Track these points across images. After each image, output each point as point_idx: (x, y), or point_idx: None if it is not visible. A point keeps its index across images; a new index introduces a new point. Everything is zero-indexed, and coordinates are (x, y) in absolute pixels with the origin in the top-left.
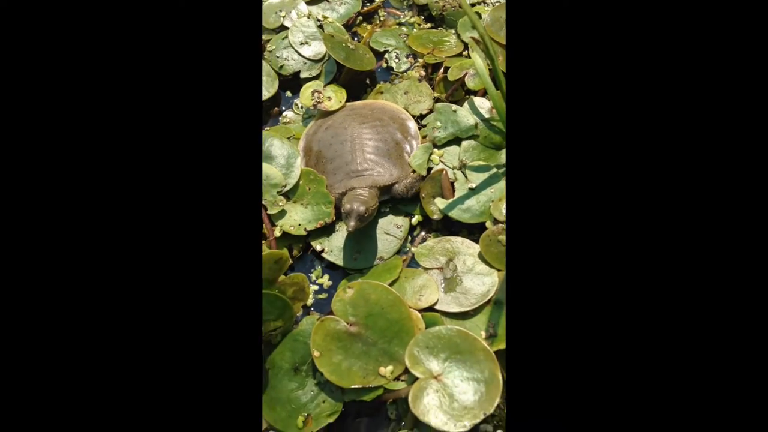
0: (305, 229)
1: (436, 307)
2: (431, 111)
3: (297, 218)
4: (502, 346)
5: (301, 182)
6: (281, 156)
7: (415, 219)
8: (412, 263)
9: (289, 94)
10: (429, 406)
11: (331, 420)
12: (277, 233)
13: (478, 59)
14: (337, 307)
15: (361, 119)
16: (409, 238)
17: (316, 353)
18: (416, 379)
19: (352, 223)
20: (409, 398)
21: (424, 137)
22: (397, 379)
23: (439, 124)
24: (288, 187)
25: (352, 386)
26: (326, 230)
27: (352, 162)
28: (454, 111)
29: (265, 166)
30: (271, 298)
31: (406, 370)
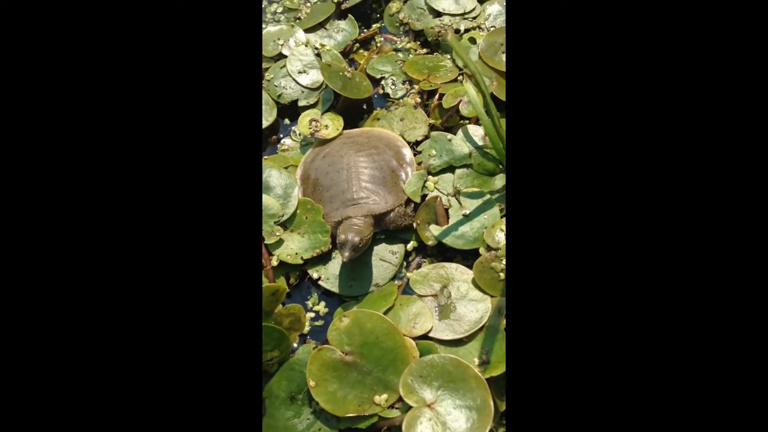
0: (302, 258)
1: (431, 334)
2: (427, 137)
3: (294, 247)
4: (495, 372)
5: (298, 212)
6: (279, 186)
7: (411, 245)
8: (407, 289)
9: (287, 121)
10: None
11: None
12: (274, 263)
13: (470, 89)
14: (333, 336)
15: (358, 147)
16: (405, 263)
17: (311, 383)
18: (410, 407)
19: (347, 254)
20: (403, 427)
21: (419, 164)
22: (391, 407)
23: (434, 152)
24: (285, 217)
25: (347, 415)
26: (323, 258)
27: (348, 190)
28: (449, 140)
29: (263, 197)
30: (268, 329)
31: (401, 399)
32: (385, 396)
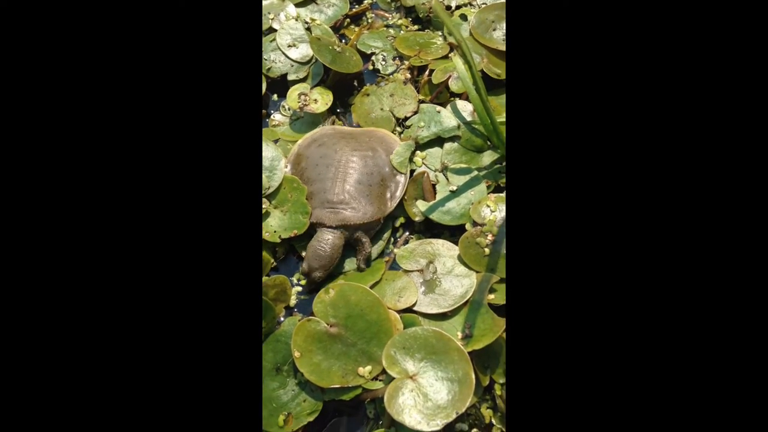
0: (280, 237)
1: (415, 308)
2: (416, 113)
3: (274, 224)
4: (478, 346)
5: (284, 188)
6: (265, 158)
7: (398, 221)
8: (394, 265)
9: (275, 98)
10: (404, 406)
11: (311, 419)
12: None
13: (459, 63)
14: (318, 309)
15: (355, 145)
16: (392, 239)
17: (296, 354)
18: (393, 378)
19: (318, 274)
20: (385, 398)
21: (408, 137)
22: (375, 378)
23: (422, 123)
24: (270, 190)
25: (332, 386)
26: (310, 234)
27: (330, 190)
28: (438, 112)
29: None
30: None
31: (384, 371)
32: (369, 368)
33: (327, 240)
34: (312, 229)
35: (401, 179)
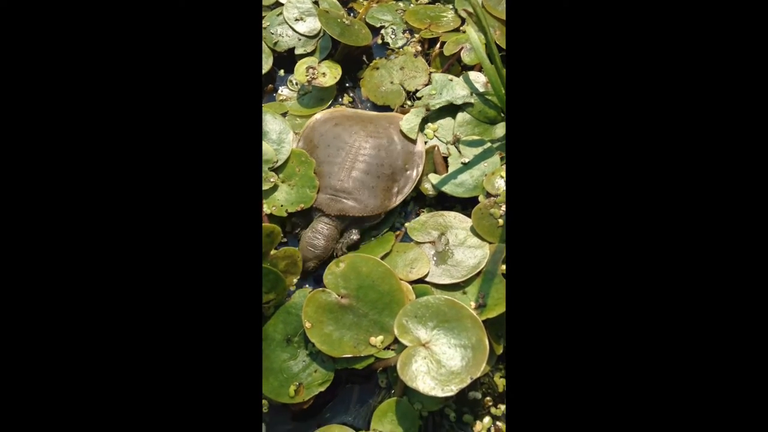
0: (287, 211)
1: (428, 279)
2: (427, 86)
3: (281, 198)
4: (492, 315)
5: (291, 162)
6: (273, 131)
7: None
8: (405, 238)
9: (282, 73)
10: (417, 372)
11: (322, 389)
12: (267, 210)
13: (472, 33)
14: (329, 280)
15: (372, 130)
16: (403, 213)
17: (307, 324)
18: (405, 347)
19: (311, 264)
20: (398, 365)
21: (419, 106)
22: (387, 348)
23: (434, 91)
24: (278, 164)
25: (343, 356)
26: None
27: (336, 175)
28: (450, 80)
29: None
30: (264, 271)
31: (396, 340)
32: (380, 337)
33: (322, 231)
34: (311, 212)
35: (413, 174)
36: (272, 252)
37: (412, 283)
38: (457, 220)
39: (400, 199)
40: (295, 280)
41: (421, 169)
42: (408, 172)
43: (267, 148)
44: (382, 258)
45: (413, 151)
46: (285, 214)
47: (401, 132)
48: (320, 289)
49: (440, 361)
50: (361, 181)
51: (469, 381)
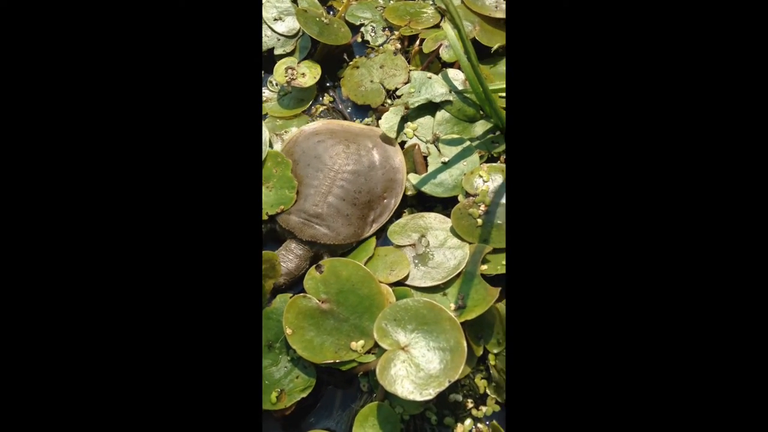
0: (267, 213)
1: (408, 282)
2: (406, 84)
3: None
4: (471, 316)
5: (267, 164)
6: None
7: None
8: (386, 241)
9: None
10: (396, 377)
11: (304, 395)
12: None
13: (449, 30)
14: (309, 285)
15: (353, 151)
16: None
17: (288, 331)
18: (384, 351)
19: (281, 281)
20: (377, 369)
21: (399, 105)
22: (368, 352)
23: (413, 89)
24: None
25: (325, 362)
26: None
27: (312, 198)
28: (429, 78)
29: None
30: None
31: (377, 344)
32: (361, 342)
33: (292, 255)
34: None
35: (390, 203)
36: None
37: (392, 285)
38: (437, 221)
39: (375, 227)
40: (272, 284)
41: (399, 198)
42: (386, 201)
43: None
44: (365, 263)
45: (394, 178)
46: (266, 216)
47: (385, 154)
48: (301, 294)
49: (419, 365)
50: (336, 208)
51: (447, 384)
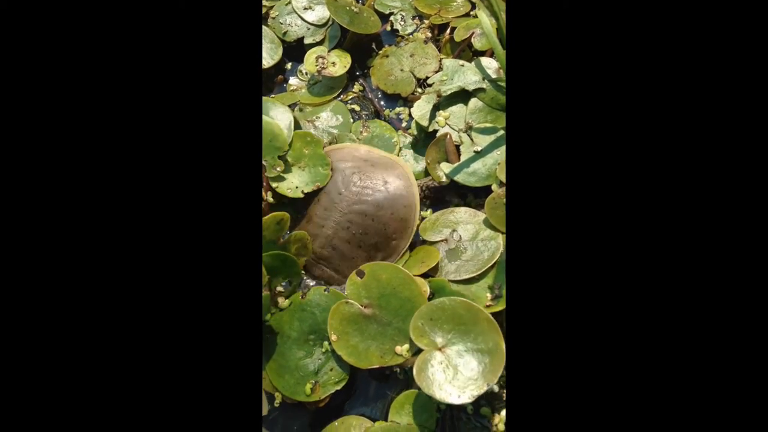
0: (302, 192)
1: (443, 277)
2: (437, 72)
3: (295, 181)
4: None
5: (296, 144)
6: (282, 121)
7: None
8: (415, 236)
9: (288, 66)
10: (433, 378)
11: (338, 387)
12: (270, 198)
13: (484, 18)
14: (351, 291)
15: (363, 188)
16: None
17: (333, 337)
18: (421, 351)
19: None
20: (414, 370)
21: (430, 93)
22: (414, 356)
23: (445, 77)
24: (289, 151)
25: (371, 367)
26: None
27: (318, 240)
28: (461, 65)
29: (273, 124)
30: (277, 256)
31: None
32: (406, 346)
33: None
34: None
35: (399, 245)
36: (281, 239)
37: (425, 276)
38: (467, 215)
39: None
40: (304, 261)
41: (410, 240)
42: (395, 242)
43: (281, 134)
44: (403, 265)
45: (405, 218)
46: (302, 195)
47: (398, 192)
48: (343, 300)
49: (456, 366)
50: (341, 252)
51: (485, 388)
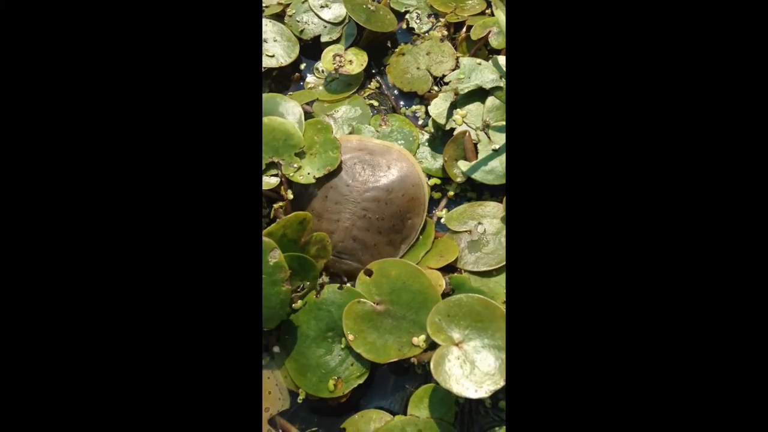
0: (314, 177)
1: (461, 266)
2: (454, 71)
3: (307, 168)
4: None
5: (307, 133)
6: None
7: (432, 180)
8: (439, 226)
9: (302, 66)
10: (450, 373)
11: (360, 381)
12: (290, 196)
13: (501, 16)
14: (362, 289)
15: (369, 176)
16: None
17: (350, 337)
18: (438, 346)
19: None
20: (431, 365)
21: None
22: (430, 348)
23: (462, 75)
24: (304, 146)
25: (390, 361)
26: None
27: (337, 235)
28: (479, 64)
29: (287, 124)
30: (297, 258)
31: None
32: (423, 336)
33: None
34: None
35: (416, 222)
36: (303, 239)
37: (442, 270)
38: (494, 210)
39: (404, 248)
40: (324, 263)
41: (425, 216)
42: (411, 221)
43: (297, 132)
44: (424, 255)
45: (416, 196)
46: (313, 180)
47: (402, 173)
48: (355, 300)
49: (474, 362)
50: (361, 242)
51: (502, 383)
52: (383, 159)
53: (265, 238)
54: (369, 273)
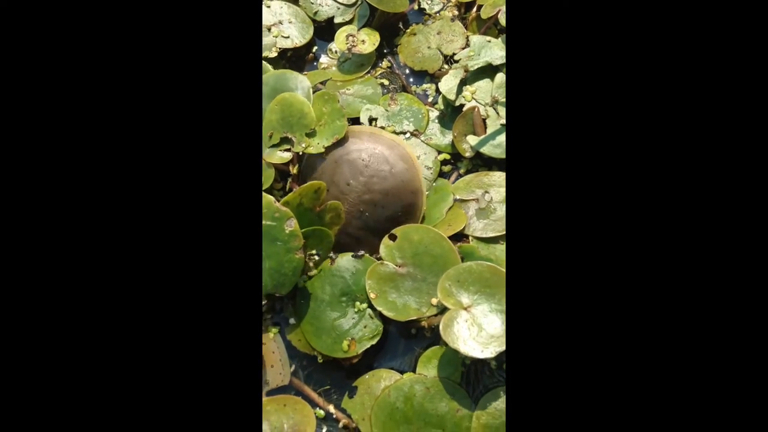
0: (323, 146)
1: (469, 233)
2: (464, 49)
3: (317, 139)
4: None
5: (317, 105)
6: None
7: (441, 156)
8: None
9: (315, 49)
10: (459, 335)
11: (373, 342)
12: (295, 171)
13: None
14: (385, 253)
15: (369, 176)
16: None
17: (372, 295)
18: (447, 309)
19: None
20: (441, 327)
21: (457, 68)
22: (440, 314)
23: (472, 53)
24: (317, 126)
25: (409, 319)
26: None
27: (348, 226)
28: (488, 41)
29: (304, 104)
30: (311, 230)
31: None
32: None
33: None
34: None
35: (419, 199)
36: (318, 207)
37: (452, 239)
38: (501, 179)
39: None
40: (337, 230)
41: (423, 210)
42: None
43: (310, 111)
44: (435, 225)
45: (413, 203)
46: (323, 150)
47: (402, 177)
48: (378, 262)
49: (481, 325)
50: (355, 239)
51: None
52: (387, 163)
53: (282, 207)
54: (393, 237)
